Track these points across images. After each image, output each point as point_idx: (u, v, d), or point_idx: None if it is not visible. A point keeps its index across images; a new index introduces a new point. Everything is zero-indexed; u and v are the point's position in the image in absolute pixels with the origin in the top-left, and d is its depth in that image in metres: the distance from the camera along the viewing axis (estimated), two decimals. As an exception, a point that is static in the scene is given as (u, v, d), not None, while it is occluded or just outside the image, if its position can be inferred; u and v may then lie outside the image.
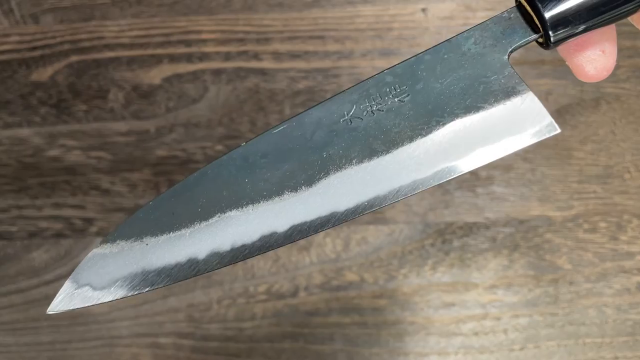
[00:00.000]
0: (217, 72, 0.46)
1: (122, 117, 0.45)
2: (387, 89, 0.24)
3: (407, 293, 0.43)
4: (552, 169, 0.45)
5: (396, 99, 0.24)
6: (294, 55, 0.45)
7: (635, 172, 0.45)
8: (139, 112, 0.46)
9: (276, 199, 0.23)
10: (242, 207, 0.22)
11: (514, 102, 0.24)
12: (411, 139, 0.24)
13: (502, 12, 0.23)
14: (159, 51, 0.46)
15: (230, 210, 0.22)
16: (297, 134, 0.23)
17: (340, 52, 0.45)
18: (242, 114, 0.46)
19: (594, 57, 0.27)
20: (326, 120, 0.24)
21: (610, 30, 0.26)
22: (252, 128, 0.45)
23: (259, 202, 0.22)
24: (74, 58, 0.46)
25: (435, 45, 0.23)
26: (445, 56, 0.23)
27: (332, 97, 0.23)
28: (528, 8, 0.22)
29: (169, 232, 0.22)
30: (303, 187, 0.23)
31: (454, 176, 0.23)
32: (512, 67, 0.23)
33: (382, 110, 0.24)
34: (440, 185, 0.45)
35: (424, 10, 0.45)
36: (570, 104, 0.45)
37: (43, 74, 0.46)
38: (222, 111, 0.46)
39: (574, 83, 0.45)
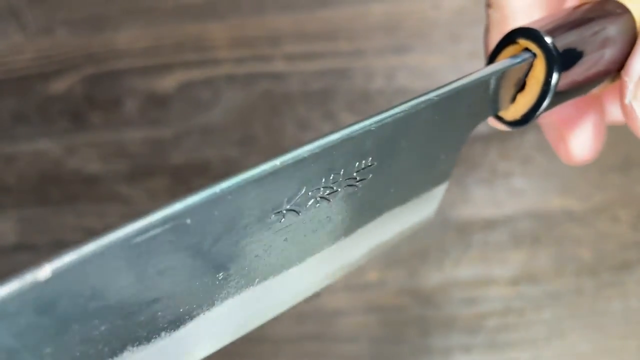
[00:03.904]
0: (230, 77, 0.45)
1: (139, 125, 0.46)
2: (357, 163, 0.17)
3: (429, 290, 0.43)
4: (571, 160, 0.44)
5: (354, 183, 0.17)
6: (306, 57, 0.45)
7: (655, 160, 0.44)
8: (155, 120, 0.46)
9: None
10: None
11: (430, 194, 0.20)
12: (334, 241, 0.18)
13: (515, 60, 0.19)
14: (172, 59, 0.46)
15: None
16: (188, 243, 0.14)
17: (353, 51, 0.45)
18: (257, 118, 0.46)
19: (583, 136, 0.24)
20: (251, 216, 0.15)
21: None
22: (267, 131, 0.45)
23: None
24: (89, 70, 0.46)
25: (439, 96, 0.17)
26: (435, 118, 0.18)
27: (283, 159, 0.15)
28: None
29: None
30: (162, 336, 0.15)
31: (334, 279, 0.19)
32: (460, 149, 0.20)
33: (329, 200, 0.17)
34: (457, 181, 0.44)
35: (435, 6, 0.44)
36: (587, 94, 0.44)
37: (60, 86, 0.47)
38: (237, 116, 0.46)
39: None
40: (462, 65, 0.45)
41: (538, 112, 0.19)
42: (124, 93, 0.47)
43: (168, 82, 0.46)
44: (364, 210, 0.18)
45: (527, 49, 0.19)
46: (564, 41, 0.19)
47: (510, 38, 0.20)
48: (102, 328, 0.14)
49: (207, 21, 0.47)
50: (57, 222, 0.46)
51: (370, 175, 0.17)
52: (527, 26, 0.19)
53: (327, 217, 0.17)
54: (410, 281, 0.44)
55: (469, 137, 0.19)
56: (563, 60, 0.19)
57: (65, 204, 0.47)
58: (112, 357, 0.14)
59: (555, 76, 0.19)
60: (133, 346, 0.14)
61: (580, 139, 0.24)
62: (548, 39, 0.19)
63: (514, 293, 0.43)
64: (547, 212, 0.44)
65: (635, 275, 0.43)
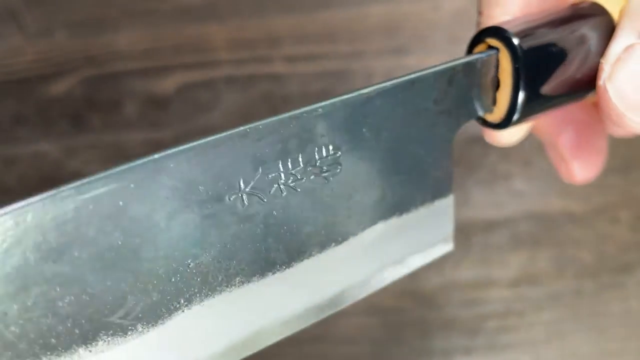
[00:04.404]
0: (229, 79, 0.45)
1: (139, 127, 0.46)
2: (315, 149, 0.16)
3: (429, 292, 0.43)
4: (571, 161, 0.44)
5: (321, 173, 0.17)
6: (306, 58, 0.45)
7: (655, 162, 0.44)
8: (155, 122, 0.46)
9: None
10: None
11: (433, 208, 0.19)
12: (322, 247, 0.17)
13: (479, 55, 0.20)
14: (171, 61, 0.46)
15: None
16: (139, 211, 0.14)
17: (352, 53, 0.45)
18: (256, 119, 0.45)
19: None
20: (203, 191, 0.15)
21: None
22: (267, 133, 0.45)
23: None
24: (89, 72, 0.46)
25: (392, 85, 0.17)
26: (397, 109, 0.17)
27: (225, 134, 0.15)
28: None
29: None
30: (140, 330, 0.14)
31: (344, 305, 0.18)
32: (451, 156, 0.20)
33: (297, 190, 0.16)
34: (458, 182, 0.44)
35: (434, 7, 0.44)
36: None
37: (59, 88, 0.47)
38: (237, 117, 0.46)
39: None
40: (462, 66, 0.45)
41: (517, 108, 0.19)
42: (123, 95, 0.47)
43: (168, 84, 0.46)
44: (349, 213, 0.17)
45: (493, 47, 0.20)
46: (528, 34, 0.19)
47: (479, 39, 0.20)
48: (66, 300, 0.13)
49: (207, 23, 0.47)
50: (57, 224, 0.46)
51: (340, 168, 0.17)
52: (491, 25, 0.20)
53: (303, 212, 0.16)
54: (411, 283, 0.44)
55: (452, 138, 0.19)
56: (529, 53, 0.19)
57: (65, 206, 0.47)
58: (85, 344, 0.14)
59: (520, 66, 0.19)
60: (107, 336, 0.14)
61: (581, 159, 0.24)
62: (507, 32, 0.19)
63: (514, 295, 0.43)
64: (547, 213, 0.44)
65: (635, 277, 0.43)
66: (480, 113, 0.20)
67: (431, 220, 0.19)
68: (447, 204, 0.20)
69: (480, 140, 0.46)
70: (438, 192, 0.20)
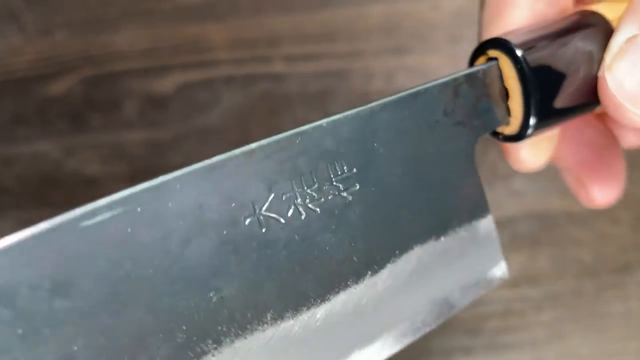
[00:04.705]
0: (228, 79, 0.45)
1: (138, 127, 0.46)
2: (328, 166, 0.16)
3: (429, 292, 0.43)
4: (571, 161, 0.44)
5: (339, 192, 0.16)
6: (305, 58, 0.45)
7: (655, 161, 0.44)
8: (154, 122, 0.46)
9: None
10: None
11: (472, 230, 0.18)
12: (357, 275, 0.16)
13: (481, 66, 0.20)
14: (170, 60, 0.46)
15: None
16: (149, 238, 0.13)
17: (352, 52, 0.45)
18: (255, 119, 0.46)
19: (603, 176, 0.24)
20: (216, 214, 0.14)
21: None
22: (266, 133, 0.45)
23: None
24: (88, 71, 0.46)
25: (399, 97, 0.17)
26: (406, 123, 0.17)
27: (230, 153, 0.15)
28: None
29: None
30: None
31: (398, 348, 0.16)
32: (477, 172, 0.19)
33: (317, 211, 0.15)
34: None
35: (434, 7, 0.44)
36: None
37: (59, 88, 0.47)
38: (236, 117, 0.45)
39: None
40: (461, 66, 0.45)
41: (532, 110, 0.19)
42: (122, 95, 0.47)
43: (167, 84, 0.46)
44: (379, 237, 0.16)
45: (494, 58, 0.20)
46: (525, 38, 0.20)
47: (480, 51, 0.21)
48: (80, 343, 0.12)
49: (206, 22, 0.46)
50: (56, 224, 0.46)
51: (358, 186, 0.16)
52: (492, 37, 0.20)
53: (328, 237, 0.15)
54: (410, 283, 0.44)
55: (473, 152, 0.19)
56: (529, 54, 0.19)
57: (64, 205, 0.46)
58: None
59: (523, 68, 0.19)
60: None
61: (600, 183, 0.24)
62: (504, 40, 0.19)
63: (514, 294, 0.43)
64: (547, 213, 0.44)
65: (635, 277, 0.43)
66: (497, 126, 0.20)
67: (474, 245, 0.18)
68: (487, 224, 0.19)
69: (480, 140, 0.45)
70: (474, 212, 0.19)
